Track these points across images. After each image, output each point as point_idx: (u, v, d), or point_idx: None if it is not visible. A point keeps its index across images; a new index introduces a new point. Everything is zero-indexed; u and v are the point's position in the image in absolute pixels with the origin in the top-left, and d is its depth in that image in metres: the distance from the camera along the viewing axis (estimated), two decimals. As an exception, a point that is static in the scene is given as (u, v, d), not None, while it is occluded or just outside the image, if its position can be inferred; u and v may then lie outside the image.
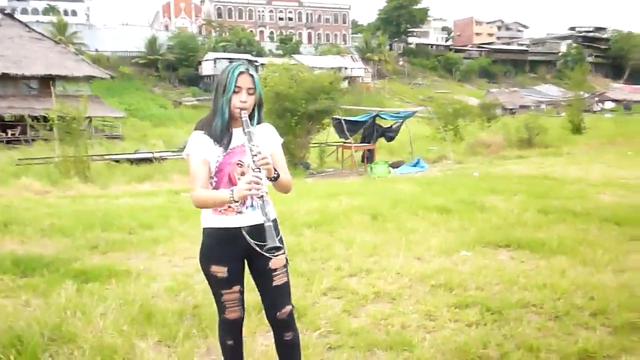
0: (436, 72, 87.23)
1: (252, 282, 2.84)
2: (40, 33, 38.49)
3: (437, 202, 8.70)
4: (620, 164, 14.93)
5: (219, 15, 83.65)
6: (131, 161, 19.94)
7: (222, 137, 2.62)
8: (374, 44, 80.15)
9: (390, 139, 21.14)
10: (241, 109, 2.59)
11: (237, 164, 2.65)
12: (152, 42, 65.83)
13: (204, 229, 2.75)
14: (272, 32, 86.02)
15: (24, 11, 70.69)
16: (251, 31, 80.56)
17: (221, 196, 2.54)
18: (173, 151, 23.01)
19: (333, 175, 17.84)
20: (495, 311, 4.12)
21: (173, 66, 65.16)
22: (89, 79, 36.56)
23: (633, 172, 13.01)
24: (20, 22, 38.82)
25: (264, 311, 2.88)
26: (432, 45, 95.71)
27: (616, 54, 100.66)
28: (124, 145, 28.95)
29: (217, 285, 2.75)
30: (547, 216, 7.63)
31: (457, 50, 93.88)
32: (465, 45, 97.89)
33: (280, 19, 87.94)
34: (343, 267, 5.37)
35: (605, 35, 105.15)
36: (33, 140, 28.23)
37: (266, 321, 2.90)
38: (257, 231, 2.66)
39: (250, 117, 2.64)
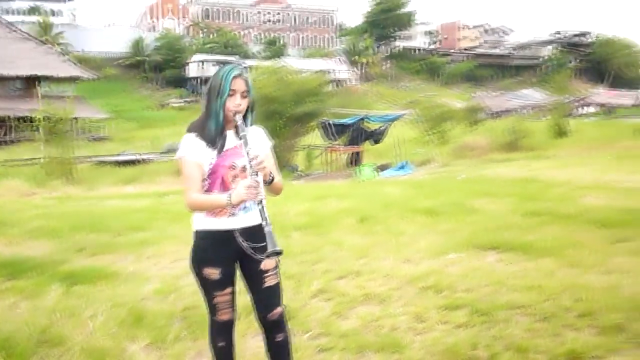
0: (421, 76, 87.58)
1: (241, 284, 2.85)
2: (25, 33, 38.14)
3: (425, 205, 8.74)
4: (605, 167, 15.09)
5: (206, 16, 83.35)
6: (117, 163, 19.83)
7: (216, 139, 2.63)
8: (360, 47, 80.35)
9: (376, 141, 21.25)
10: (235, 112, 2.61)
11: (230, 167, 2.67)
12: (138, 43, 65.44)
13: (196, 231, 2.75)
14: (258, 34, 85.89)
15: (8, 11, 69.77)
16: (238, 33, 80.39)
17: (218, 200, 2.56)
18: (159, 153, 22.90)
19: (320, 177, 17.86)
20: (484, 313, 4.15)
21: (159, 67, 64.78)
22: (74, 79, 36.31)
23: (617, 175, 13.15)
24: (4, 22, 38.42)
25: (254, 313, 2.89)
26: (417, 48, 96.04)
27: (598, 59, 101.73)
28: (109, 147, 28.78)
29: (209, 288, 2.75)
30: (534, 218, 7.69)
31: (442, 54, 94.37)
32: (451, 49, 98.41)
33: (267, 21, 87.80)
34: (332, 269, 5.38)
35: (587, 41, 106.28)
36: (18, 141, 27.96)
37: (256, 323, 2.91)
38: (250, 233, 2.70)
39: (243, 119, 2.66)
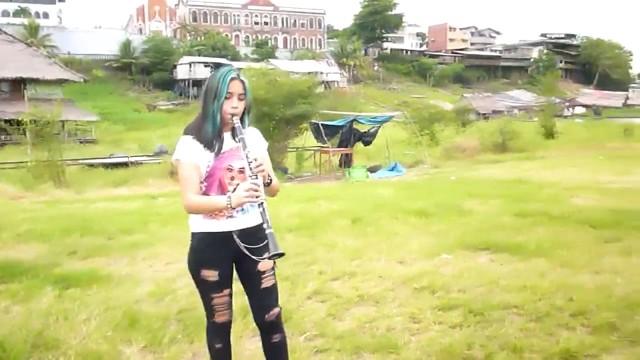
0: (410, 77, 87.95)
1: (236, 286, 2.85)
2: (11, 35, 37.84)
3: (416, 206, 8.77)
4: (593, 168, 15.23)
5: (194, 19, 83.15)
6: (106, 165, 19.71)
7: (213, 142, 2.64)
8: (349, 49, 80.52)
9: (367, 143, 21.28)
10: (233, 114, 2.61)
11: (227, 169, 2.67)
12: (126, 46, 65.20)
13: (194, 233, 2.75)
14: (247, 37, 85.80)
15: (-6, 13, 69.44)
16: (226, 35, 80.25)
17: (217, 203, 2.57)
18: (148, 155, 22.80)
19: (311, 179, 17.87)
20: (478, 313, 4.18)
21: (147, 70, 64.57)
22: (61, 82, 36.06)
23: (605, 176, 13.29)
24: (-9, 24, 38.16)
25: (250, 314, 2.90)
26: (406, 50, 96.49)
27: (586, 60, 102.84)
28: (97, 150, 28.61)
29: (207, 290, 2.75)
30: (524, 219, 7.74)
31: (431, 56, 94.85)
32: (439, 51, 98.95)
33: (256, 23, 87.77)
34: (326, 270, 5.39)
35: (575, 42, 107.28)
36: (4, 144, 27.71)
37: (252, 325, 2.91)
38: (248, 235, 2.71)
39: (240, 121, 2.67)
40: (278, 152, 18.96)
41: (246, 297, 2.87)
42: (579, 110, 71.39)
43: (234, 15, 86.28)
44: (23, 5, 71.94)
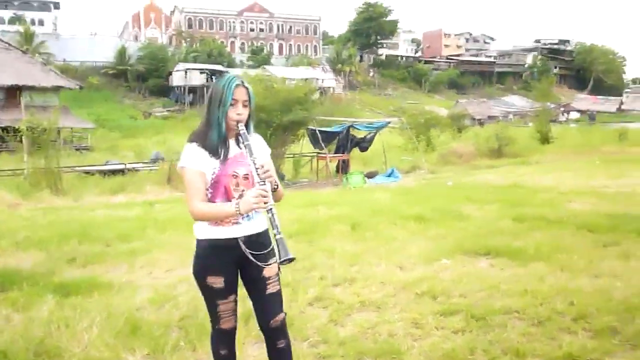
0: (406, 83, 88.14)
1: (240, 292, 2.85)
2: (6, 43, 37.76)
3: (415, 211, 8.80)
4: (589, 173, 15.29)
5: (190, 26, 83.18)
6: (103, 173, 19.63)
7: (218, 149, 2.65)
8: (345, 56, 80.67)
9: (364, 149, 21.29)
10: (237, 121, 2.63)
11: (233, 175, 2.68)
12: (121, 53, 65.18)
13: (199, 240, 2.75)
14: (242, 43, 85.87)
15: (-11, 21, 69.38)
16: (222, 42, 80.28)
17: (226, 210, 2.58)
18: (145, 162, 22.74)
19: (308, 185, 17.85)
20: (480, 318, 4.19)
21: (143, 77, 64.50)
22: (57, 89, 35.94)
23: (601, 180, 13.34)
24: (-14, 32, 38.09)
25: (252, 320, 2.90)
26: (401, 56, 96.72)
27: (580, 66, 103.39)
28: (93, 157, 28.47)
29: (213, 296, 2.75)
30: (522, 224, 7.78)
31: (426, 62, 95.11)
32: (434, 57, 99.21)
33: (251, 30, 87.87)
34: (327, 276, 5.39)
35: (569, 48, 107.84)
36: (0, 151, 27.61)
37: (254, 331, 2.92)
38: (253, 241, 2.72)
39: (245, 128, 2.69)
40: (275, 158, 18.92)
41: (249, 303, 2.88)
42: (574, 115, 71.68)
43: (229, 22, 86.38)
44: (18, 12, 71.91)
